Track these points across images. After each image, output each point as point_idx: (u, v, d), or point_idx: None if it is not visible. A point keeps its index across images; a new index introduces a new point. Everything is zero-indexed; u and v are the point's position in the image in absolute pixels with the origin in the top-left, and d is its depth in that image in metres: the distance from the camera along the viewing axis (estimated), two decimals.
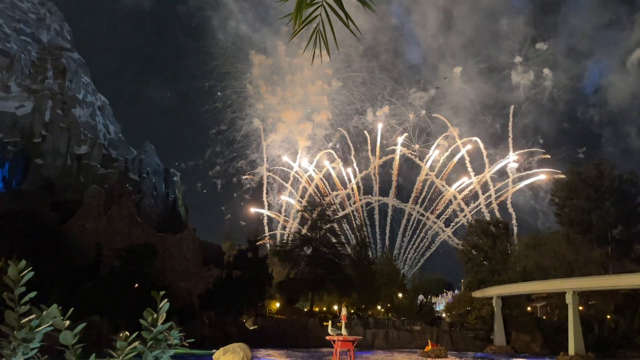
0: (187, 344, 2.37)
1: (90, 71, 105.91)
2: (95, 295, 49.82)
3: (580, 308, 50.98)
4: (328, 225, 75.62)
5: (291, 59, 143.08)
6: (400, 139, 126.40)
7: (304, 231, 75.95)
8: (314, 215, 75.76)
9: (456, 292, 76.71)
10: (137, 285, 53.55)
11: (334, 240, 76.80)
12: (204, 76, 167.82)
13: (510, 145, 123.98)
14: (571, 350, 45.93)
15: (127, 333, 2.28)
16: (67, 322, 2.11)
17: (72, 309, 2.15)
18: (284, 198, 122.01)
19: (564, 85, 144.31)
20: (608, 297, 56.19)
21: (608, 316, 56.05)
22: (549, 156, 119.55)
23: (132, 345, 2.21)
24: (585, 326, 49.83)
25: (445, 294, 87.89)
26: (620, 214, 63.29)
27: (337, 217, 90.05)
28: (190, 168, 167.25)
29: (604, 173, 65.29)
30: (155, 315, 2.28)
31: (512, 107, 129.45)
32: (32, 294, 2.13)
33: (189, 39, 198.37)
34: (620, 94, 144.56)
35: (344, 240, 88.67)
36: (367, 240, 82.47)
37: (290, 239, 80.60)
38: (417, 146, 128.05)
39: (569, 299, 47.56)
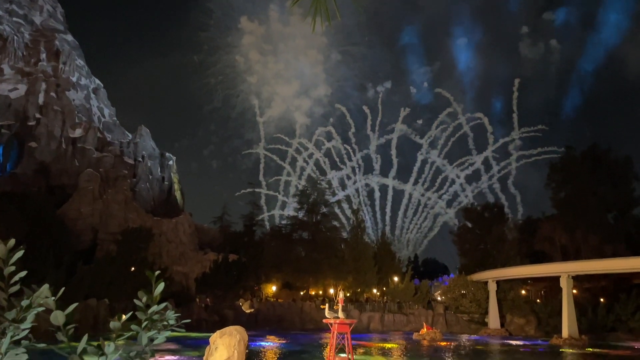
0: (182, 326, 2.30)
1: (84, 54, 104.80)
2: (91, 278, 49.89)
3: (575, 292, 51.42)
4: (325, 209, 75.60)
5: (284, 26, 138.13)
6: (401, 116, 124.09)
7: (301, 215, 75.91)
8: (311, 200, 75.67)
9: (452, 275, 77.19)
10: (133, 269, 53.62)
11: (333, 222, 76.79)
12: (194, 49, 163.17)
13: (515, 121, 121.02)
14: (565, 333, 46.41)
15: (123, 315, 2.22)
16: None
17: (63, 289, 2.08)
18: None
19: (573, 58, 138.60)
20: (602, 281, 56.68)
21: (602, 299, 56.61)
22: (554, 133, 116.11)
23: (127, 326, 2.14)
24: (579, 309, 50.33)
25: (440, 277, 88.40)
26: (615, 199, 63.56)
27: (335, 199, 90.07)
28: (185, 147, 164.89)
29: (600, 157, 65.43)
30: (150, 296, 2.21)
31: (518, 80, 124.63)
32: (22, 274, 2.05)
33: (178, 9, 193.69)
34: (635, 66, 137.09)
35: (343, 222, 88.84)
36: (364, 224, 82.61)
37: (287, 222, 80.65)
38: (419, 122, 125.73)
39: (563, 283, 47.94)
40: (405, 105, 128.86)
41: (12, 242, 2.07)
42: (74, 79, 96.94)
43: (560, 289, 48.72)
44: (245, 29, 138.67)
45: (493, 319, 58.24)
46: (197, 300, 62.52)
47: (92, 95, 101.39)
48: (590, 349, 40.54)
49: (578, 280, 51.41)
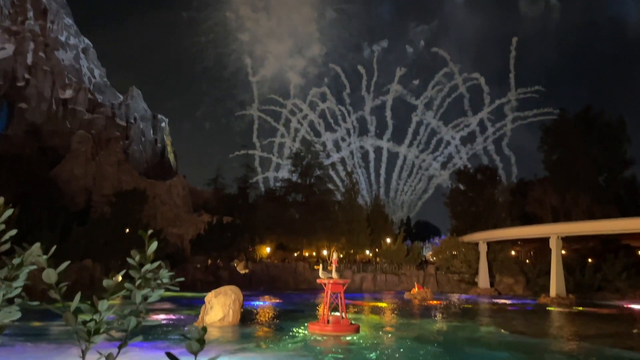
0: (177, 284, 2.32)
1: (72, 12, 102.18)
2: (86, 239, 50.12)
3: (563, 252, 52.27)
4: (319, 172, 75.77)
5: None
6: (397, 76, 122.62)
7: (295, 178, 76.11)
8: (305, 162, 75.69)
9: (443, 237, 78.18)
10: (127, 230, 53.86)
11: (327, 185, 77.08)
12: (183, 6, 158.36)
13: (512, 82, 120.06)
14: (552, 292, 47.45)
15: (118, 275, 2.23)
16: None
17: (54, 247, 2.07)
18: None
19: (574, 16, 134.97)
20: (591, 242, 57.61)
21: (590, 260, 57.68)
22: (551, 94, 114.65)
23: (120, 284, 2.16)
24: (567, 269, 51.27)
25: (432, 238, 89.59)
26: (607, 161, 63.87)
27: (329, 162, 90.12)
28: (177, 108, 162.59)
29: (593, 119, 65.42)
30: (143, 255, 2.22)
31: (516, 39, 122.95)
32: (13, 232, 2.04)
33: None
34: (635, 26, 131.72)
35: (337, 185, 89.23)
36: (357, 186, 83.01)
37: (281, 184, 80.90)
38: (415, 83, 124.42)
39: (552, 244, 48.68)
40: (401, 65, 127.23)
41: (1, 200, 2.05)
42: (63, 39, 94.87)
43: (549, 250, 49.52)
44: None
45: (483, 279, 59.37)
46: (209, 261, 63.45)
47: (82, 55, 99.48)
48: (578, 308, 41.53)
49: (567, 241, 52.17)
